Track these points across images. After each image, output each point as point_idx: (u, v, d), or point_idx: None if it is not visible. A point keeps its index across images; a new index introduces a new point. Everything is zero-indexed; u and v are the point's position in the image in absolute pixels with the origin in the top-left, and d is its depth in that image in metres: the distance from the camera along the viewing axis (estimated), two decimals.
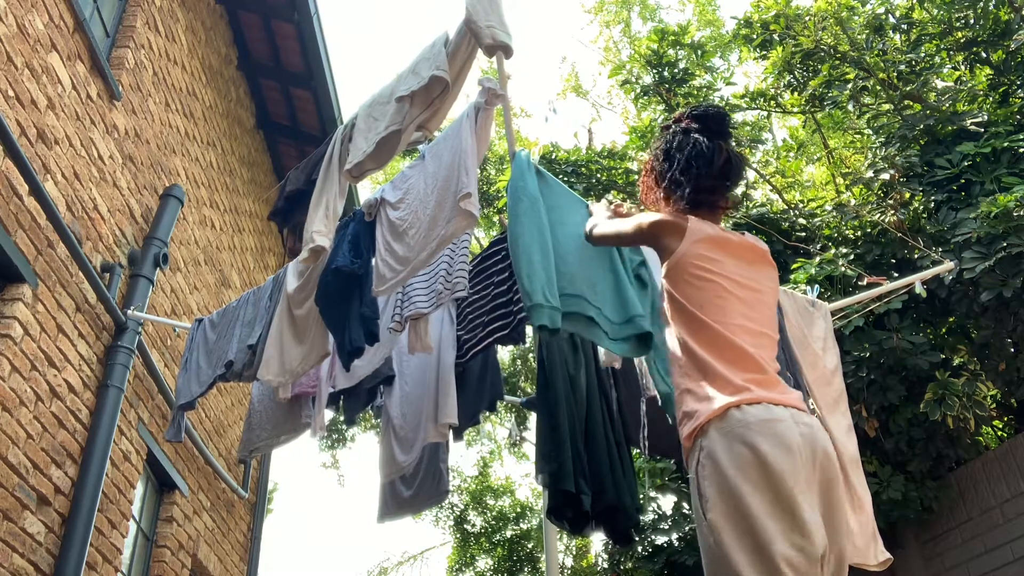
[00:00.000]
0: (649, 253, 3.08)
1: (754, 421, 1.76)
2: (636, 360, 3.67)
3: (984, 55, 6.48)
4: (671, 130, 2.25)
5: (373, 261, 3.30)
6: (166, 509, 5.17)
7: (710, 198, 2.16)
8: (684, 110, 2.28)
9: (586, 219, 2.81)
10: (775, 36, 7.13)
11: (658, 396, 3.20)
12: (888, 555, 3.22)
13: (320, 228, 3.17)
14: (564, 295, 2.60)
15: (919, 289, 3.93)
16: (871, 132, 6.96)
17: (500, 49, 2.69)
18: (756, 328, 1.97)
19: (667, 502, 8.01)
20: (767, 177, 8.35)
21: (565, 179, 7.85)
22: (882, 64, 6.40)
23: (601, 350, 3.46)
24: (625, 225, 2.30)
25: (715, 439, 1.78)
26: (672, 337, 2.04)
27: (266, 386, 4.24)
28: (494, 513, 13.87)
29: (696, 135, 2.18)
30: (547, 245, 2.63)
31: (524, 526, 13.72)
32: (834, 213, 6.50)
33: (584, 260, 2.78)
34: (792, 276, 5.85)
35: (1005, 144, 5.34)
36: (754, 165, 8.67)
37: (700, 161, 2.14)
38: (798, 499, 1.70)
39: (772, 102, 7.93)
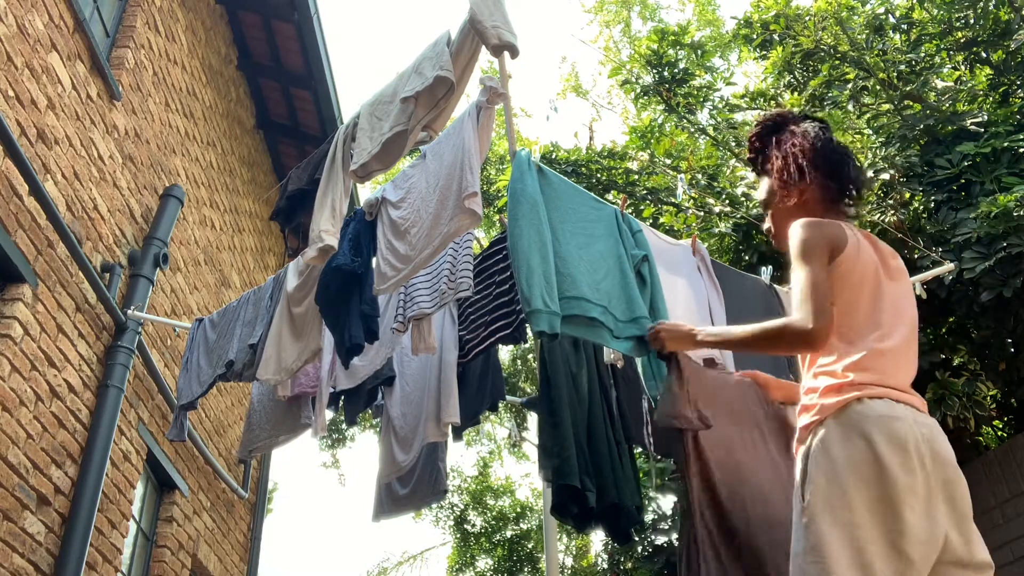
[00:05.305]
0: (652, 249, 3.08)
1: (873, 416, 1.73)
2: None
3: (984, 55, 6.48)
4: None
5: (374, 260, 3.30)
6: (166, 509, 5.17)
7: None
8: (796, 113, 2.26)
9: (592, 212, 2.80)
10: (775, 36, 7.13)
11: (649, 399, 3.17)
12: None
13: (328, 227, 3.16)
14: (565, 298, 2.58)
15: (919, 291, 3.93)
16: (871, 132, 6.95)
17: (506, 49, 2.67)
18: None
19: (667, 502, 8.02)
20: None
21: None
22: (882, 64, 6.39)
23: (606, 348, 3.44)
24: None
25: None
26: None
27: (266, 385, 4.24)
28: (494, 513, 13.88)
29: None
30: (547, 248, 2.61)
31: (524, 526, 13.72)
32: None
33: (588, 259, 2.78)
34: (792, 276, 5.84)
35: (1005, 144, 5.34)
36: None
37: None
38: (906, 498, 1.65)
39: (772, 102, 7.92)
